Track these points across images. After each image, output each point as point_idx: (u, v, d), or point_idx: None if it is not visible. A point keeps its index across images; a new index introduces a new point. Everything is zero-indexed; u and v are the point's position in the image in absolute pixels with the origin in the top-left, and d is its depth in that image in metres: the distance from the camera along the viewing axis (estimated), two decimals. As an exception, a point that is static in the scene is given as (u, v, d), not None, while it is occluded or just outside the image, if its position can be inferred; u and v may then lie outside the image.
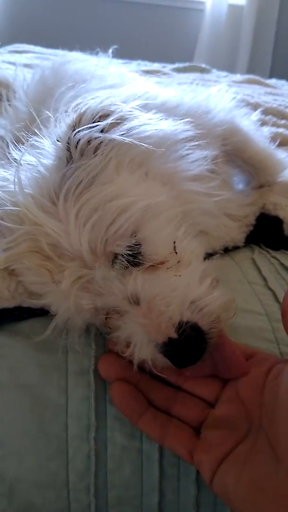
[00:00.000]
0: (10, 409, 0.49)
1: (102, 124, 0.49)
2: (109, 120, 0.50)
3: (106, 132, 0.50)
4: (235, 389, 0.46)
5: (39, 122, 0.59)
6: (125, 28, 3.88)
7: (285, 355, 0.51)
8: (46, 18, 3.81)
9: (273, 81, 2.22)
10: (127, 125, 0.51)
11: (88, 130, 0.49)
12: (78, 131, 0.49)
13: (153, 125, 0.52)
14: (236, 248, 0.69)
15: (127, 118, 0.51)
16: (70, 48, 2.23)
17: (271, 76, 3.46)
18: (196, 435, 0.45)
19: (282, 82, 2.28)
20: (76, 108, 0.52)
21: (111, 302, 0.47)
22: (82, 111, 0.50)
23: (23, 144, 0.57)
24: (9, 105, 0.96)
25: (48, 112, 0.63)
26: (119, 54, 1.93)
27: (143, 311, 0.45)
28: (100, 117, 0.50)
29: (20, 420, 0.49)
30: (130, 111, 0.52)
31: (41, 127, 0.57)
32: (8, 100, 0.98)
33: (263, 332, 0.52)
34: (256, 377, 0.44)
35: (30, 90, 0.92)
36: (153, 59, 2.44)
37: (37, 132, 0.55)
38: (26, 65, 1.58)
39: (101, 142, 0.49)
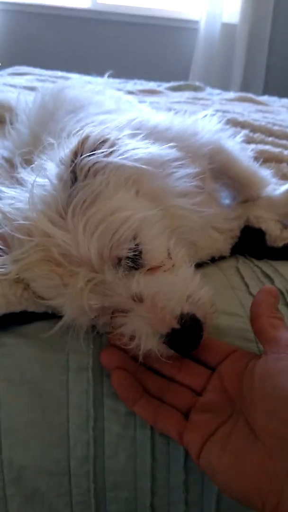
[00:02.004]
0: (17, 403, 0.55)
1: (103, 150, 0.57)
2: (108, 146, 0.58)
3: (105, 156, 0.57)
4: (219, 379, 0.52)
5: (41, 145, 0.66)
6: (121, 48, 3.99)
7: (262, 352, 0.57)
8: (44, 40, 3.92)
9: (265, 98, 2.30)
10: (122, 150, 0.59)
11: (93, 156, 0.56)
12: (84, 157, 0.56)
13: (143, 149, 0.59)
14: (222, 258, 0.75)
15: (121, 144, 0.59)
16: (69, 68, 2.33)
17: (264, 92, 3.56)
18: (185, 419, 0.51)
19: (274, 98, 2.36)
20: (77, 134, 0.59)
21: (117, 301, 0.53)
22: (83, 137, 0.57)
23: (27, 165, 0.64)
24: (12, 128, 1.03)
25: (48, 135, 0.70)
26: (116, 74, 2.02)
27: (147, 307, 0.51)
28: (99, 143, 0.58)
29: (26, 412, 0.55)
30: (123, 138, 0.59)
31: (44, 150, 0.64)
32: (11, 123, 1.05)
33: (244, 332, 0.58)
34: (237, 369, 0.50)
35: (32, 114, 0.99)
36: (149, 78, 2.52)
37: (41, 155, 0.62)
38: (27, 87, 1.66)
39: (105, 165, 0.57)
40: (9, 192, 0.60)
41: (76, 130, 0.60)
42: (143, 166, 0.58)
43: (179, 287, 0.53)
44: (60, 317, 0.55)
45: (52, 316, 0.57)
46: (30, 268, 0.54)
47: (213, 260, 0.73)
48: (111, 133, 0.60)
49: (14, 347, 0.57)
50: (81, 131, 0.58)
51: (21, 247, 0.54)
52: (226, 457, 0.45)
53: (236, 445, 0.45)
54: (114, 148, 0.58)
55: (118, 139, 0.60)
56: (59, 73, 2.16)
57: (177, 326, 0.51)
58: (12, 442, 0.55)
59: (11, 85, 1.66)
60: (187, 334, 0.51)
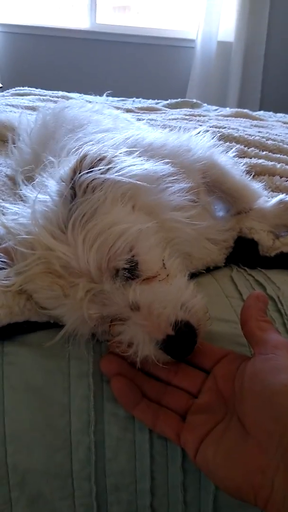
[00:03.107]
0: (21, 408, 0.57)
1: (101, 167, 0.60)
2: (105, 164, 0.61)
3: (103, 173, 0.61)
4: (214, 381, 0.54)
5: (42, 163, 0.69)
6: (120, 68, 4.07)
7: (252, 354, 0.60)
8: (45, 61, 4.00)
9: (261, 113, 2.35)
10: (118, 167, 0.62)
11: (91, 173, 0.59)
12: (82, 174, 0.59)
13: (138, 165, 0.63)
14: (217, 268, 0.78)
15: (117, 161, 0.62)
16: (69, 88, 2.39)
17: (261, 108, 3.63)
18: (182, 421, 0.54)
19: (269, 113, 2.41)
20: (76, 153, 0.62)
21: (115, 310, 0.56)
22: (81, 155, 0.61)
23: (29, 182, 0.68)
24: (15, 147, 1.07)
25: (49, 154, 0.74)
26: (115, 93, 2.07)
27: (143, 315, 0.54)
28: (97, 161, 0.61)
29: (29, 418, 0.57)
30: (119, 155, 0.63)
31: (45, 168, 0.68)
32: (13, 142, 1.09)
33: (237, 338, 0.61)
34: (230, 371, 0.53)
35: (33, 133, 1.03)
36: (147, 96, 2.58)
37: (42, 173, 0.65)
38: (28, 107, 1.71)
39: (102, 182, 0.60)
40: (12, 208, 0.63)
41: (75, 148, 0.63)
42: (138, 182, 0.61)
43: (173, 295, 0.56)
44: (62, 326, 0.58)
45: (54, 325, 0.60)
46: (33, 280, 0.57)
47: (208, 270, 0.76)
48: (108, 151, 0.63)
49: (18, 356, 0.59)
50: (80, 150, 0.62)
51: (24, 260, 0.57)
52: (220, 454, 0.47)
53: (229, 442, 0.47)
54: (111, 165, 0.62)
55: (115, 156, 0.63)
56: (60, 93, 2.21)
57: (172, 332, 0.54)
58: (17, 447, 0.57)
59: (13, 106, 1.71)
60: (182, 340, 0.54)
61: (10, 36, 3.96)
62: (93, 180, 0.60)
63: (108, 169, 0.61)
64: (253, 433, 0.46)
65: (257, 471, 0.44)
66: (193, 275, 0.70)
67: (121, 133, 0.80)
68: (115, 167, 0.62)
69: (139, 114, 1.90)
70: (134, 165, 0.63)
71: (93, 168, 0.60)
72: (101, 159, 0.62)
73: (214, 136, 0.89)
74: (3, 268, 0.60)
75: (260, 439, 0.45)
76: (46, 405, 0.58)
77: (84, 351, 0.59)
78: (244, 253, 0.80)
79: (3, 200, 0.85)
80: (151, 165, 0.64)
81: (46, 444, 0.57)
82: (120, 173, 0.61)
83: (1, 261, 0.60)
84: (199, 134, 0.86)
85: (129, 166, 0.62)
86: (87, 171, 0.60)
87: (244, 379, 0.49)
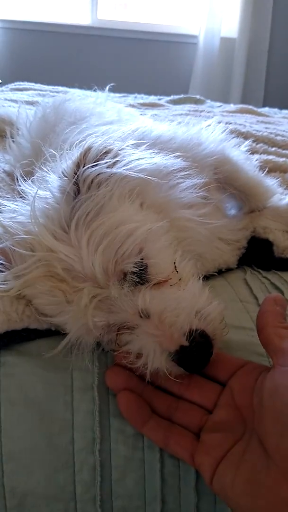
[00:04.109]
0: (19, 425, 0.53)
1: (107, 161, 0.55)
2: (111, 157, 0.56)
3: (109, 167, 0.56)
4: (230, 395, 0.49)
5: (42, 158, 0.64)
6: (121, 63, 4.03)
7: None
8: (46, 56, 3.96)
9: (265, 109, 2.30)
10: (125, 160, 0.57)
11: (96, 167, 0.54)
12: (86, 168, 0.54)
13: (147, 159, 0.58)
14: (229, 270, 0.73)
15: (125, 154, 0.57)
16: (69, 84, 2.34)
17: (264, 104, 3.57)
18: (196, 439, 0.48)
19: (275, 110, 2.36)
20: (79, 146, 0.57)
21: (122, 317, 0.51)
22: (85, 148, 0.56)
23: (28, 178, 0.63)
24: (13, 141, 1.02)
25: (50, 147, 0.68)
26: (117, 88, 2.02)
27: (154, 324, 0.49)
28: (102, 154, 0.56)
29: (29, 435, 0.52)
30: (126, 148, 0.58)
31: (45, 162, 0.62)
32: (11, 137, 1.04)
33: (254, 347, 0.56)
34: (248, 384, 0.48)
35: (33, 127, 0.98)
36: (149, 92, 2.53)
37: (42, 167, 0.60)
38: (28, 102, 1.66)
39: (108, 177, 0.55)
40: (10, 205, 0.58)
41: (78, 141, 0.58)
42: (147, 177, 0.56)
43: (187, 302, 0.51)
44: (64, 334, 0.53)
45: (56, 333, 0.55)
46: (32, 284, 0.53)
47: (220, 272, 0.71)
48: (114, 143, 0.58)
49: (16, 367, 0.54)
50: (84, 142, 0.56)
51: (22, 262, 0.52)
52: (240, 481, 0.42)
53: (249, 466, 0.42)
54: (118, 158, 0.57)
55: (122, 149, 0.58)
56: (60, 88, 2.17)
57: (185, 343, 0.49)
58: (14, 467, 0.52)
59: (12, 100, 1.66)
60: (197, 351, 0.49)
61: (10, 32, 3.92)
62: (98, 174, 0.55)
63: (115, 163, 0.56)
64: (276, 459, 0.40)
65: (282, 504, 0.39)
66: (204, 278, 0.65)
67: (126, 125, 0.75)
68: (122, 160, 0.57)
69: (142, 109, 1.85)
70: (143, 158, 0.57)
71: (98, 161, 0.55)
72: (107, 152, 0.57)
73: (225, 130, 0.84)
74: (0, 271, 0.55)
75: (284, 466, 0.40)
76: (47, 421, 0.53)
77: (88, 362, 0.54)
78: (258, 254, 0.75)
79: (0, 197, 0.80)
80: (161, 159, 0.59)
81: (47, 464, 0.52)
82: (127, 167, 0.56)
83: (-1, 263, 0.55)
84: (209, 127, 0.81)
85: (137, 160, 0.57)
86: (91, 165, 0.55)
87: (263, 395, 0.44)
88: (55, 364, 0.54)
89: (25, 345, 0.56)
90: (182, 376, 0.51)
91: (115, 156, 0.57)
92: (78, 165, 0.55)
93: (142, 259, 0.52)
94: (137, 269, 0.52)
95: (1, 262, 0.55)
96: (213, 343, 0.50)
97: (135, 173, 0.56)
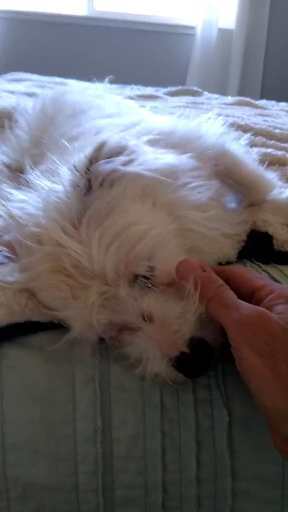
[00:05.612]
0: (22, 417, 0.53)
1: (121, 158, 0.55)
2: (126, 154, 0.56)
3: (122, 165, 0.55)
4: None
5: (41, 150, 0.64)
6: (118, 54, 3.99)
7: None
8: (42, 47, 3.92)
9: (263, 102, 2.29)
10: (141, 159, 0.57)
11: (109, 164, 0.54)
12: (99, 164, 0.54)
13: (159, 158, 0.57)
14: (229, 263, 0.73)
15: (140, 152, 0.57)
16: (66, 74, 2.32)
17: (262, 97, 3.57)
18: None
19: (272, 102, 2.35)
20: (93, 140, 0.56)
21: (126, 318, 0.51)
22: (99, 143, 0.55)
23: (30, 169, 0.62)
24: (12, 133, 1.02)
25: (49, 140, 0.68)
26: (114, 79, 2.01)
27: (157, 328, 0.50)
28: (117, 150, 0.56)
29: (31, 426, 0.53)
30: (140, 146, 0.57)
31: (45, 154, 0.62)
32: (10, 129, 1.04)
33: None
34: None
35: (32, 119, 0.97)
36: (146, 84, 2.51)
37: (53, 159, 0.59)
38: (25, 93, 1.65)
39: (122, 175, 0.55)
40: (18, 195, 0.58)
41: (92, 134, 0.57)
42: (160, 177, 0.56)
43: (190, 309, 0.51)
44: (65, 327, 0.53)
45: (58, 325, 0.55)
46: (39, 278, 0.52)
47: (220, 265, 0.72)
48: (130, 140, 0.57)
49: (18, 359, 0.55)
50: (99, 138, 0.56)
51: (30, 255, 0.52)
52: None
53: None
54: (132, 156, 0.56)
55: (137, 146, 0.57)
56: (57, 79, 2.15)
57: (186, 349, 0.49)
58: (17, 458, 0.53)
59: (10, 91, 1.65)
60: (197, 358, 0.49)
61: (7, 22, 3.87)
62: (111, 172, 0.54)
63: (130, 160, 0.56)
64: None
65: None
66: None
67: (126, 118, 0.75)
68: (136, 159, 0.56)
69: (139, 101, 1.84)
70: (157, 157, 0.57)
71: (111, 158, 0.55)
72: (122, 149, 0.56)
73: (225, 123, 0.84)
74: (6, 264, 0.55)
75: None
76: (49, 412, 0.53)
77: (90, 355, 0.54)
78: (257, 248, 0.75)
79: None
80: (173, 158, 0.59)
81: (49, 455, 0.53)
82: (142, 166, 0.56)
83: (3, 255, 0.55)
84: (209, 120, 0.81)
85: (151, 158, 0.57)
86: (104, 161, 0.54)
87: None
88: (57, 356, 0.54)
89: (27, 337, 0.56)
90: (181, 382, 0.51)
91: (130, 154, 0.56)
92: (91, 160, 0.54)
93: (152, 262, 0.53)
94: (149, 273, 0.52)
95: (8, 255, 0.55)
96: (213, 350, 0.50)
97: (149, 173, 0.56)
